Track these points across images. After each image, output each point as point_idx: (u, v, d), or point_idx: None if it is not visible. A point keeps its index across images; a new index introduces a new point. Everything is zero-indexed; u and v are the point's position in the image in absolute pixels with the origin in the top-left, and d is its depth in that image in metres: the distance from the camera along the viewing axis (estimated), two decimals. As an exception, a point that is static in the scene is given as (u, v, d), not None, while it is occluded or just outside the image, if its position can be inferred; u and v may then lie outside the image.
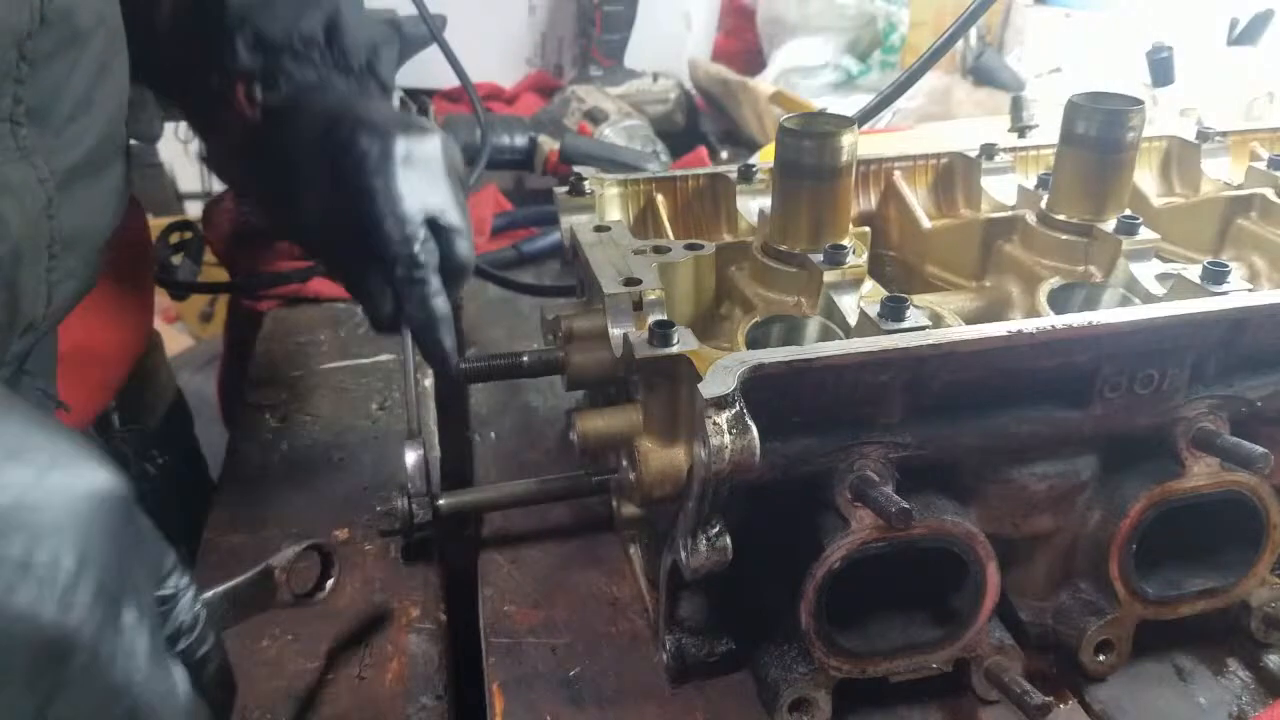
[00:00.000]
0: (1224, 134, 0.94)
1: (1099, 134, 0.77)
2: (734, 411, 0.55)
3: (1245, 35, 1.72)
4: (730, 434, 0.54)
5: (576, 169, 0.88)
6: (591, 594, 0.79)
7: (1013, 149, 0.94)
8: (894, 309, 0.64)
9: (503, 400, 1.05)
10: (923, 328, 0.63)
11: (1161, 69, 1.48)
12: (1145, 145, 0.94)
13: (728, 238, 0.87)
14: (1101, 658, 0.70)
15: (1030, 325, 0.61)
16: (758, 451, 0.55)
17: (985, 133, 0.98)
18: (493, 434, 1.00)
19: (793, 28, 1.97)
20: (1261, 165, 0.89)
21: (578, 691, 0.70)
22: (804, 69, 1.94)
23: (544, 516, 0.87)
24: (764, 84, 1.80)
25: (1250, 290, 0.67)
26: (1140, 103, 0.77)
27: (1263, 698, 0.70)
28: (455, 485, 0.84)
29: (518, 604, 0.78)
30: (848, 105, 1.66)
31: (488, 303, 1.26)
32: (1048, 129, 0.96)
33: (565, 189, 0.86)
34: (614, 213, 0.89)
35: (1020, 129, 1.04)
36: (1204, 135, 0.94)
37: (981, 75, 1.76)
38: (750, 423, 0.55)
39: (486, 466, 0.95)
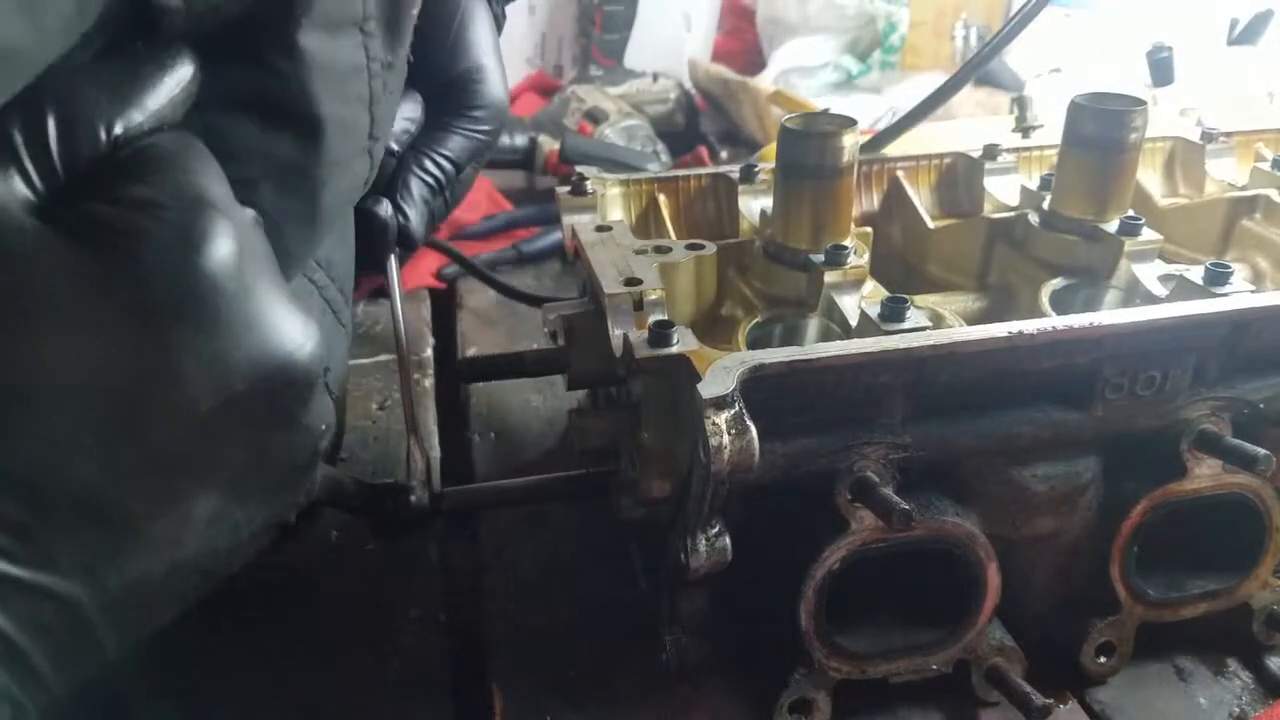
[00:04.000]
0: (1229, 134, 0.94)
1: (1101, 134, 0.77)
2: (733, 412, 0.55)
3: (1245, 35, 1.71)
4: (729, 434, 0.54)
5: (579, 169, 0.88)
6: (591, 594, 0.79)
7: (1016, 149, 0.94)
8: (894, 310, 0.64)
9: (503, 400, 1.04)
10: (923, 328, 0.63)
11: (1161, 69, 1.47)
12: (1150, 145, 0.93)
13: (730, 238, 0.87)
14: (1102, 659, 0.70)
15: (1031, 326, 0.61)
16: (757, 452, 0.55)
17: (987, 133, 0.98)
18: (493, 434, 1.00)
19: (793, 28, 1.97)
20: (1266, 166, 0.89)
21: (578, 691, 0.70)
22: (804, 69, 1.94)
23: (544, 516, 0.86)
24: (764, 84, 1.79)
25: (1253, 292, 0.67)
26: (1143, 103, 0.77)
27: (1263, 698, 0.70)
28: (455, 485, 0.83)
29: (518, 604, 0.78)
30: (848, 105, 1.66)
31: (488, 304, 1.25)
32: (1052, 129, 0.96)
33: (567, 189, 0.86)
34: (616, 213, 0.88)
35: (1025, 129, 1.04)
36: (1209, 136, 0.94)
37: (981, 75, 1.76)
38: (749, 423, 0.55)
39: (486, 466, 0.95)
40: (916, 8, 1.95)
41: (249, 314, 0.41)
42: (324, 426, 0.46)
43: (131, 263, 0.38)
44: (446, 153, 0.77)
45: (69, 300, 0.37)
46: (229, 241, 0.40)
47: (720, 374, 0.56)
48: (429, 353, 1.14)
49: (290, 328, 0.42)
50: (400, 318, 0.82)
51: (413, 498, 0.73)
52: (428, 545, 0.84)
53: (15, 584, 0.36)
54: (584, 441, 0.72)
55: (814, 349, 0.59)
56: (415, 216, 0.75)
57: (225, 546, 0.43)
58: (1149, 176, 0.93)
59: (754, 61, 2.05)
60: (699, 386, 0.55)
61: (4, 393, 0.36)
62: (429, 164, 0.76)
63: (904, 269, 0.90)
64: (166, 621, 0.44)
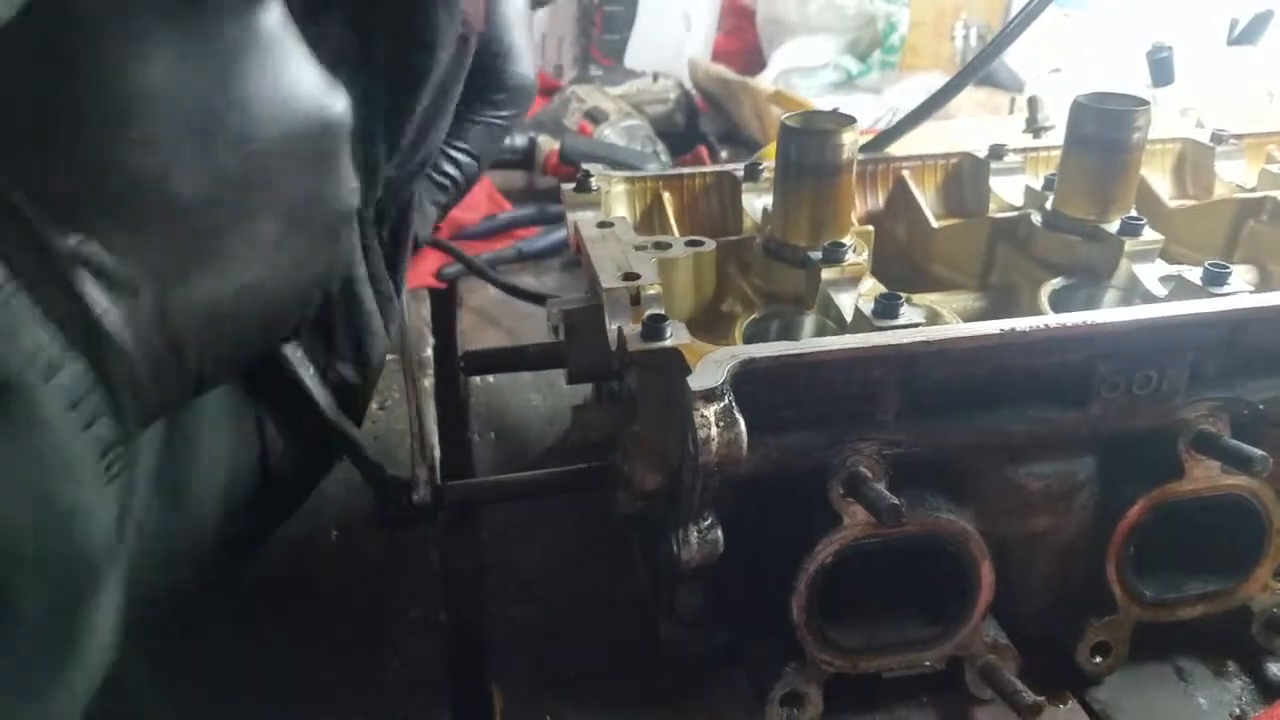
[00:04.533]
0: (1239, 136, 0.94)
1: (1103, 134, 0.77)
2: (722, 405, 0.55)
3: (1245, 35, 1.71)
4: (718, 427, 0.55)
5: (585, 165, 0.88)
6: (591, 594, 0.79)
7: (1023, 149, 0.94)
8: (888, 306, 0.64)
9: (502, 400, 1.04)
10: (915, 325, 0.63)
11: (1161, 69, 1.47)
12: (1160, 147, 0.93)
13: (733, 235, 0.87)
14: (1098, 659, 0.70)
15: (1023, 324, 0.61)
16: (745, 445, 0.55)
17: (987, 132, 0.98)
18: (493, 434, 1.00)
19: (793, 28, 1.97)
20: (1275, 168, 0.88)
21: (578, 691, 0.70)
22: (804, 69, 1.94)
23: (544, 515, 0.86)
24: (764, 84, 1.79)
25: (1251, 292, 0.67)
26: (1146, 103, 0.76)
27: (1264, 699, 0.70)
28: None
29: (518, 604, 0.78)
30: (848, 105, 1.66)
31: (488, 303, 1.26)
32: (1056, 129, 0.96)
33: (572, 185, 0.86)
34: (620, 209, 0.89)
35: (1036, 129, 1.04)
36: (1219, 137, 0.93)
37: (981, 75, 1.76)
38: (738, 416, 0.55)
39: (487, 466, 0.95)
40: (916, 8, 1.96)
41: (294, 67, 0.49)
42: (353, 186, 0.53)
43: (209, 9, 0.46)
44: (464, 146, 0.75)
45: (162, 31, 0.44)
46: (278, 11, 0.48)
47: (710, 367, 0.56)
48: (429, 352, 1.14)
49: (325, 84, 0.50)
50: (404, 314, 0.81)
51: (415, 496, 0.74)
52: (428, 545, 0.84)
53: (109, 277, 0.42)
54: (585, 433, 0.73)
55: (803, 344, 0.59)
56: (419, 219, 0.73)
57: (283, 284, 0.50)
58: (1157, 178, 0.92)
59: (754, 61, 2.05)
60: (689, 379, 0.55)
61: (113, 101, 0.43)
62: (444, 163, 0.74)
63: (908, 268, 0.90)
64: (230, 370, 0.52)
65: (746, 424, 0.55)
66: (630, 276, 0.70)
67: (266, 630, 0.75)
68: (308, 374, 0.64)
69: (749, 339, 0.73)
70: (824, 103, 1.71)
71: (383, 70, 0.55)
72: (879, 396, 0.62)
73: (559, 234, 1.37)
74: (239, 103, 0.46)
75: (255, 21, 0.47)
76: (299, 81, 0.49)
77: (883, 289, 0.71)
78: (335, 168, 0.52)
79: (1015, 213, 0.85)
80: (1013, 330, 0.60)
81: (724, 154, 1.71)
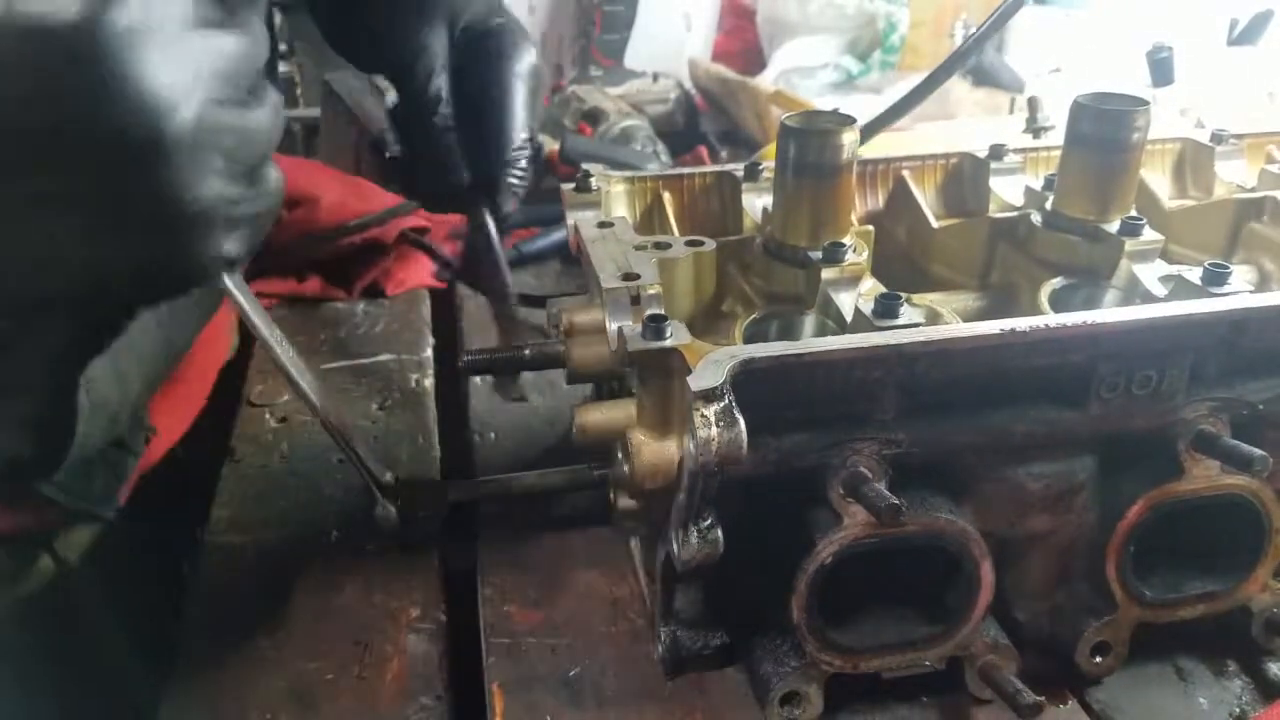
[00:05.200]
0: (1239, 136, 0.94)
1: (1103, 134, 0.77)
2: (722, 405, 0.55)
3: (1245, 35, 1.72)
4: (718, 426, 0.55)
5: (585, 166, 0.88)
6: (591, 593, 0.79)
7: (1023, 149, 0.94)
8: (888, 306, 0.64)
9: (503, 400, 1.04)
10: (915, 325, 0.63)
11: (1161, 69, 1.48)
12: (1159, 147, 0.93)
13: (733, 235, 0.87)
14: (1098, 659, 0.70)
15: (1023, 324, 0.61)
16: (745, 444, 0.55)
17: (989, 132, 0.98)
18: (493, 434, 1.00)
19: (793, 28, 1.98)
20: (1274, 168, 0.88)
21: (578, 691, 0.70)
22: (804, 69, 1.95)
23: (544, 515, 0.87)
24: (764, 84, 1.80)
25: (1251, 292, 0.67)
26: (1145, 103, 0.77)
27: (1264, 699, 0.70)
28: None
29: (518, 604, 0.78)
30: (848, 105, 1.66)
31: (486, 304, 1.25)
32: (1058, 129, 0.96)
33: (572, 186, 0.86)
34: (620, 210, 0.89)
35: (1036, 130, 1.03)
36: (1218, 137, 0.93)
37: (981, 75, 1.76)
38: (738, 416, 0.55)
39: (486, 467, 0.95)
40: (916, 8, 1.96)
41: (132, 73, 0.46)
42: (209, 194, 0.50)
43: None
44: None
45: None
46: (130, 15, 0.46)
47: (711, 367, 0.56)
48: (429, 353, 1.14)
49: (165, 90, 0.47)
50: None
51: None
52: (428, 545, 0.84)
53: None
54: (583, 434, 0.73)
55: (803, 344, 0.59)
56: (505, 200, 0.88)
57: (85, 272, 0.50)
58: (1157, 178, 0.92)
59: (754, 61, 2.05)
60: (689, 379, 0.55)
61: None
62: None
63: (909, 268, 0.90)
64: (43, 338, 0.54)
65: (746, 424, 0.55)
66: (630, 276, 0.70)
67: (266, 631, 0.75)
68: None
69: (749, 339, 0.73)
70: (824, 103, 1.72)
71: None
72: (879, 396, 0.62)
73: (558, 234, 1.37)
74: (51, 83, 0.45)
75: (83, 26, 0.45)
76: (124, 92, 0.46)
77: (883, 289, 0.71)
78: (171, 175, 0.49)
79: (1015, 213, 0.85)
80: (1013, 330, 0.60)
81: (724, 154, 1.71)
